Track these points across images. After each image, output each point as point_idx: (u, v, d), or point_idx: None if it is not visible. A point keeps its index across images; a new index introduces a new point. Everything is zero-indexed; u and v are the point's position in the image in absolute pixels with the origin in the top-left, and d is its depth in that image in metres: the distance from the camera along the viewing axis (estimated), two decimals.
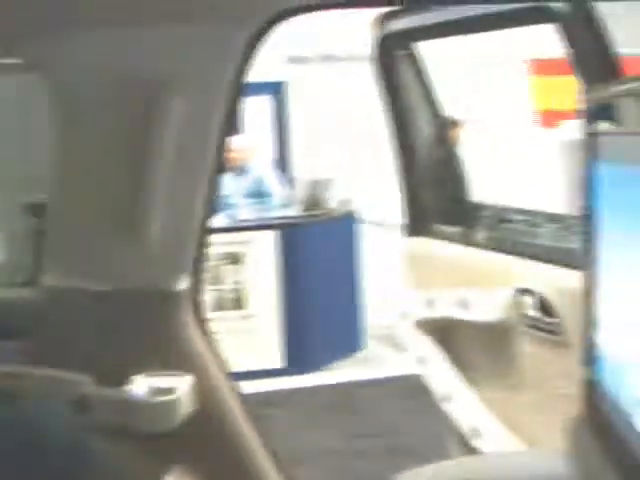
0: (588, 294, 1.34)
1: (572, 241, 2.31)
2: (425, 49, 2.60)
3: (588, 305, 1.34)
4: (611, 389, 1.24)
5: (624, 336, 1.19)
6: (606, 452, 1.20)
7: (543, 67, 6.96)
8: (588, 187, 1.29)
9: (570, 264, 2.15)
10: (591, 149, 1.26)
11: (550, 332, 2.18)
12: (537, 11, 1.85)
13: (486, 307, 2.27)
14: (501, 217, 2.78)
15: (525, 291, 2.22)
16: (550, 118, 6.95)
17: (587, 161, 1.28)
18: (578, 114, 1.30)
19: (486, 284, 2.28)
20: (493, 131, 6.95)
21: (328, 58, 7.06)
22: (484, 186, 4.42)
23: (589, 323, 1.34)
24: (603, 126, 1.21)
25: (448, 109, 2.76)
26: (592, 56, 1.77)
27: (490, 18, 2.00)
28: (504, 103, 7.06)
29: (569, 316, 2.13)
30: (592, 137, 1.26)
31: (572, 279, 2.14)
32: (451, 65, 6.30)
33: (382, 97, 2.57)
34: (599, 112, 1.25)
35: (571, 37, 1.81)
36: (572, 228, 2.37)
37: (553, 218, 2.72)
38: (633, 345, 1.15)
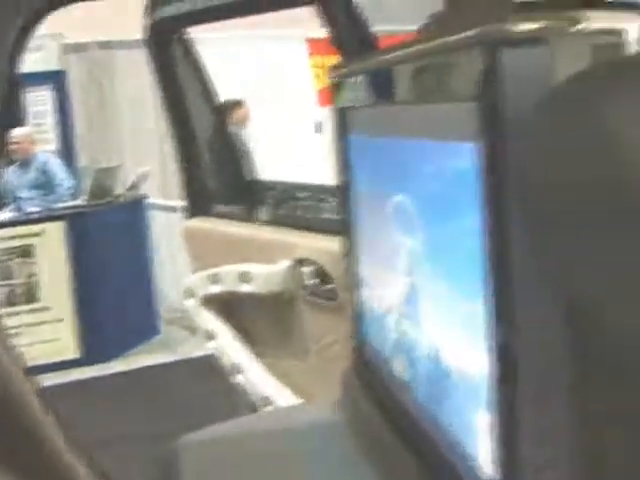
0: (349, 257, 1.46)
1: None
2: (210, 34, 2.66)
3: (350, 267, 1.46)
4: (373, 340, 1.37)
5: (375, 290, 1.32)
6: (372, 398, 1.33)
7: (318, 46, 7.16)
8: (341, 158, 1.40)
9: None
10: (341, 122, 1.37)
11: (328, 298, 2.31)
12: None
13: (267, 279, 2.37)
14: (284, 193, 2.89)
15: (304, 261, 2.33)
16: (328, 96, 7.17)
17: (338, 134, 1.39)
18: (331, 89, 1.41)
19: (267, 258, 2.38)
20: (278, 110, 7.09)
21: (107, 45, 6.99)
22: (270, 164, 4.55)
23: (352, 283, 1.46)
24: (349, 100, 1.32)
25: (232, 91, 2.85)
26: (349, 35, 1.91)
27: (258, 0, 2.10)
28: (289, 82, 7.22)
29: (344, 281, 2.27)
30: (341, 111, 1.37)
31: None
32: (237, 45, 6.40)
33: (157, 82, 2.62)
34: (350, 86, 1.37)
35: (329, 16, 1.94)
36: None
37: (333, 191, 2.86)
38: (382, 297, 1.28)
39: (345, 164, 1.39)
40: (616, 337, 0.68)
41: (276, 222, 2.54)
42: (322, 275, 2.32)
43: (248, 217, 2.64)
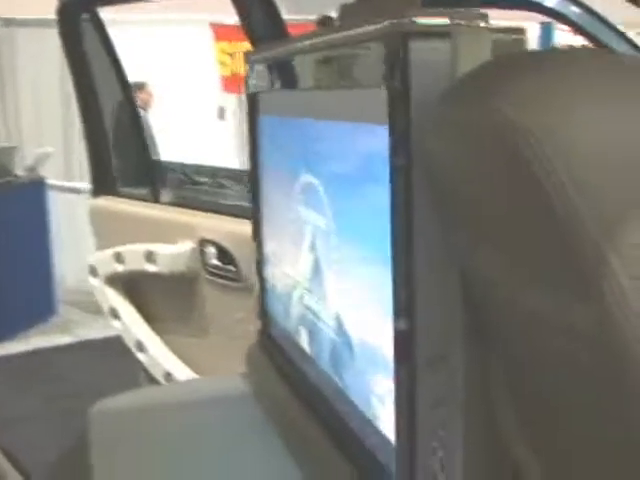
0: (257, 236, 1.51)
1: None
2: (114, 13, 2.67)
3: (257, 246, 1.52)
4: (278, 316, 1.43)
5: (281, 267, 1.38)
6: (277, 371, 1.39)
7: (225, 32, 7.18)
8: (252, 141, 1.46)
9: (248, 216, 2.35)
10: (253, 106, 1.43)
11: (231, 279, 2.36)
12: None
13: (171, 259, 2.41)
14: (188, 175, 2.93)
15: (207, 242, 2.38)
16: (233, 82, 7.22)
17: (250, 117, 1.45)
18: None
19: (171, 238, 2.42)
20: (181, 95, 7.09)
21: (9, 23, 6.85)
22: (172, 147, 4.56)
23: (259, 262, 1.52)
24: (262, 84, 1.38)
25: (137, 73, 2.86)
26: (260, 22, 1.96)
27: None
28: (193, 67, 7.22)
29: (247, 263, 2.32)
30: (253, 95, 1.43)
31: (249, 229, 2.34)
32: (139, 29, 6.36)
33: (67, 61, 2.63)
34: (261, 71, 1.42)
35: (240, 3, 1.99)
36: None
37: (236, 175, 2.92)
38: (287, 274, 1.34)
39: (256, 147, 1.44)
40: (507, 310, 0.75)
41: (180, 204, 2.58)
42: (225, 256, 2.38)
43: (152, 198, 2.67)
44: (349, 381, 1.08)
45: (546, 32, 6.94)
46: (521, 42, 0.84)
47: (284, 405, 1.28)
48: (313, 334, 1.22)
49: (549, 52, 0.80)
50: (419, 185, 0.81)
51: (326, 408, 1.15)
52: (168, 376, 2.38)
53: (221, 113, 7.14)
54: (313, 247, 1.18)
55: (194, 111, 7.11)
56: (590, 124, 0.62)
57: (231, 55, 7.26)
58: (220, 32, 7.25)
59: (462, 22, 0.80)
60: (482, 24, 0.81)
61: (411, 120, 0.80)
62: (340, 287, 1.08)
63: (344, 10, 1.44)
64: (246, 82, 1.44)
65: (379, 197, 0.88)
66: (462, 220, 0.76)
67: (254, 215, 1.50)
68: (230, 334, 2.36)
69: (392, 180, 0.84)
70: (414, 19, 0.80)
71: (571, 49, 0.77)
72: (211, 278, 2.39)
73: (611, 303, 0.59)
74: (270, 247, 1.46)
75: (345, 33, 0.96)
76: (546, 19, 3.11)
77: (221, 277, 2.36)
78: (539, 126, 0.62)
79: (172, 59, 7.01)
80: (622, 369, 0.60)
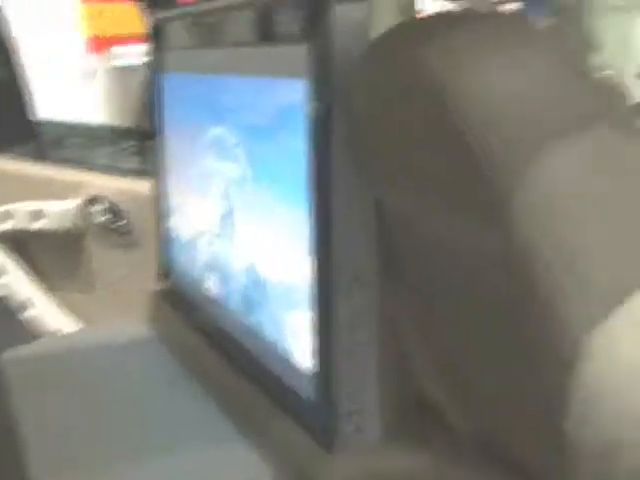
0: (158, 190, 1.57)
1: (134, 151, 2.55)
2: None
3: (159, 198, 1.57)
4: (183, 264, 1.50)
5: (186, 218, 1.45)
6: (181, 315, 1.46)
7: None
8: (155, 101, 1.51)
9: (136, 172, 2.40)
10: (156, 63, 1.48)
11: (120, 234, 2.40)
12: None
13: (59, 216, 2.43)
14: (72, 133, 2.93)
15: (96, 199, 2.41)
16: (100, 44, 7.11)
17: (151, 76, 1.50)
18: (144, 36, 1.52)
19: (58, 196, 2.44)
20: (50, 53, 6.93)
21: None
22: (46, 106, 4.49)
23: (160, 215, 1.58)
24: (167, 43, 1.44)
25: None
26: None
27: None
28: (58, 28, 7.05)
29: (136, 218, 2.37)
30: (156, 52, 1.48)
31: (137, 185, 2.39)
32: None
33: None
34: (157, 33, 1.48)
35: None
36: (131, 139, 2.62)
37: (118, 132, 2.94)
38: (193, 223, 1.41)
39: (159, 104, 1.50)
40: (418, 237, 0.85)
41: (67, 162, 2.59)
42: (115, 212, 2.41)
43: (37, 156, 2.67)
44: (263, 319, 1.16)
45: None
46: (413, 2, 0.95)
47: (194, 347, 1.36)
48: (223, 278, 1.30)
49: (459, 15, 0.89)
50: (337, 130, 0.90)
51: (238, 348, 1.23)
52: (58, 331, 2.41)
53: (91, 73, 7.03)
54: (225, 195, 1.25)
55: (63, 71, 6.98)
56: (502, 73, 0.72)
57: (96, 15, 7.15)
58: None
59: None
60: None
61: (332, 73, 0.89)
62: (255, 229, 1.16)
63: None
64: (149, 40, 1.49)
65: (295, 142, 0.96)
66: (380, 156, 0.86)
67: (156, 170, 1.55)
68: (118, 288, 2.41)
69: (312, 125, 0.93)
70: None
71: (478, 14, 0.87)
72: (99, 234, 2.43)
73: (516, 231, 0.69)
74: (174, 200, 1.52)
75: None
76: None
77: (109, 233, 2.40)
78: (459, 75, 0.72)
79: (39, 18, 6.84)
80: (525, 286, 0.70)
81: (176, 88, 1.44)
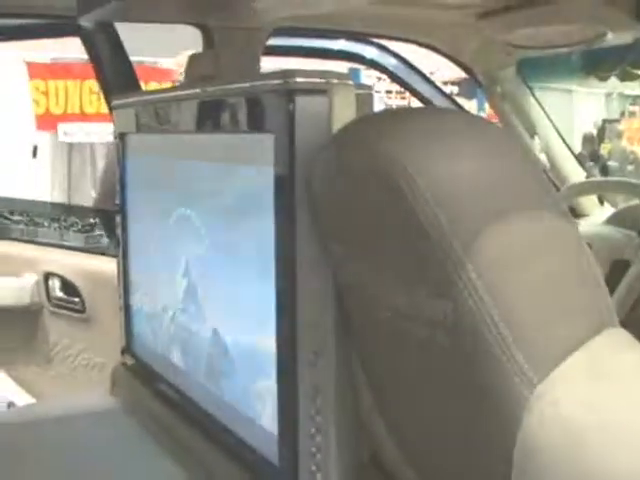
0: (122, 269, 1.63)
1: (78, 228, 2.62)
2: None
3: (122, 275, 1.64)
4: (145, 336, 1.56)
5: (150, 295, 1.52)
6: (147, 386, 1.51)
7: (39, 70, 7.15)
8: (121, 181, 1.59)
9: (90, 250, 2.48)
10: (123, 148, 1.56)
11: (75, 311, 2.46)
12: (65, 25, 2.14)
13: (14, 292, 2.48)
14: (16, 209, 2.99)
15: (51, 275, 2.47)
16: (47, 121, 7.19)
17: (119, 158, 1.58)
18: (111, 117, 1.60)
19: (14, 271, 2.49)
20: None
21: None
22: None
23: (123, 293, 1.64)
24: (127, 126, 1.52)
25: None
26: (112, 66, 2.10)
27: (25, 28, 2.24)
28: (7, 104, 7.13)
29: (91, 295, 2.43)
30: (121, 137, 1.56)
31: (92, 262, 2.46)
32: None
33: None
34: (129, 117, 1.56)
35: (92, 46, 2.12)
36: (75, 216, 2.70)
37: (61, 208, 3.01)
38: (157, 299, 1.48)
39: (124, 186, 1.57)
40: (374, 308, 0.93)
41: (23, 238, 2.65)
42: (69, 288, 2.47)
43: None
44: (228, 387, 1.23)
45: (354, 76, 7.49)
46: (371, 96, 1.05)
47: (160, 417, 1.41)
48: (188, 349, 1.37)
49: (410, 110, 1.00)
50: (300, 214, 0.99)
51: (204, 415, 1.29)
52: (11, 404, 2.44)
53: (34, 151, 7.10)
54: (189, 272, 1.33)
55: (7, 148, 7.04)
56: (449, 161, 0.83)
57: (45, 93, 7.24)
58: (34, 69, 7.22)
59: (336, 81, 0.99)
60: (349, 82, 1.00)
61: (295, 161, 0.98)
62: (219, 304, 1.23)
63: (191, 59, 1.61)
64: (115, 125, 1.57)
65: (260, 225, 1.05)
66: (340, 237, 0.95)
67: (122, 247, 1.62)
68: (74, 363, 2.45)
69: (276, 209, 1.02)
70: (298, 79, 0.98)
71: (425, 109, 0.97)
72: (55, 310, 2.48)
73: (466, 297, 0.79)
74: (136, 276, 1.59)
75: (234, 85, 1.13)
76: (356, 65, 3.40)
77: (65, 308, 2.46)
78: (413, 163, 0.82)
79: None
80: (474, 346, 0.79)
81: (140, 170, 1.52)
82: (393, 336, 0.92)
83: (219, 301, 1.24)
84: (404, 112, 0.99)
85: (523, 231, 0.83)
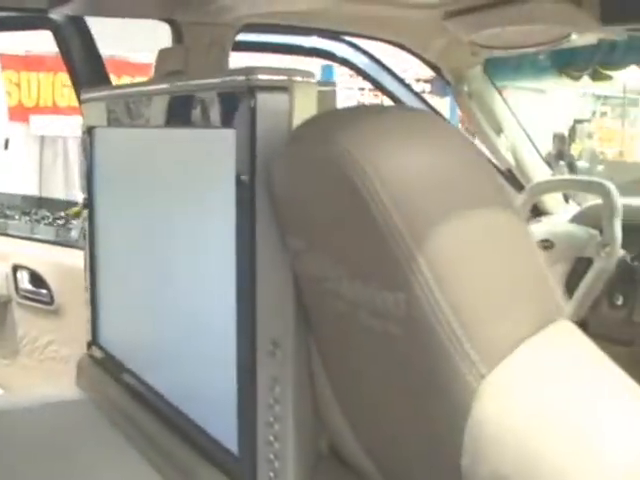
0: (90, 261, 1.65)
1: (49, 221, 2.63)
2: None
3: (89, 266, 1.65)
4: (113, 331, 1.58)
5: (120, 287, 1.54)
6: (113, 376, 1.53)
7: (12, 62, 7.12)
8: (88, 175, 1.60)
9: (60, 242, 2.49)
10: (89, 141, 1.58)
11: (43, 302, 2.47)
12: (37, 18, 2.15)
13: None
14: None
15: (20, 267, 2.47)
16: (20, 112, 7.17)
17: (86, 152, 1.59)
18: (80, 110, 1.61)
19: None
20: None
21: None
22: None
23: (90, 285, 1.65)
24: (96, 120, 1.53)
25: None
26: (82, 59, 2.11)
27: None
28: None
29: (59, 287, 2.44)
30: (89, 131, 1.58)
31: (59, 254, 2.46)
32: None
33: None
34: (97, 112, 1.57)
35: (61, 40, 2.13)
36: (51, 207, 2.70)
37: (31, 201, 3.02)
38: (127, 292, 1.50)
39: (92, 180, 1.59)
40: (330, 301, 0.96)
41: None
42: (38, 281, 2.48)
43: None
44: (191, 377, 1.25)
45: (327, 72, 7.64)
46: (334, 93, 1.07)
47: (125, 408, 1.43)
48: (152, 341, 1.39)
49: (370, 108, 1.02)
50: (260, 207, 1.01)
51: (168, 406, 1.31)
52: None
53: (6, 144, 7.06)
54: (153, 264, 1.35)
55: None
56: (406, 158, 0.85)
57: (17, 85, 7.21)
58: (7, 61, 7.18)
59: (298, 78, 1.01)
60: (312, 80, 1.03)
61: (255, 157, 1.00)
62: (183, 297, 1.25)
63: (161, 54, 1.63)
64: (84, 119, 1.59)
65: (221, 216, 1.07)
66: (298, 230, 0.97)
67: (89, 240, 1.63)
68: (42, 355, 2.46)
69: (238, 198, 1.04)
70: (260, 76, 1.00)
71: (386, 107, 1.00)
72: (22, 302, 2.49)
73: (418, 290, 0.81)
74: (103, 269, 1.60)
75: (200, 81, 1.15)
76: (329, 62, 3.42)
77: (33, 300, 2.47)
78: (368, 160, 0.84)
79: None
80: (425, 338, 0.82)
81: (108, 163, 1.53)
82: (349, 327, 0.94)
83: (183, 293, 1.26)
84: (364, 110, 1.02)
85: (474, 227, 0.86)
